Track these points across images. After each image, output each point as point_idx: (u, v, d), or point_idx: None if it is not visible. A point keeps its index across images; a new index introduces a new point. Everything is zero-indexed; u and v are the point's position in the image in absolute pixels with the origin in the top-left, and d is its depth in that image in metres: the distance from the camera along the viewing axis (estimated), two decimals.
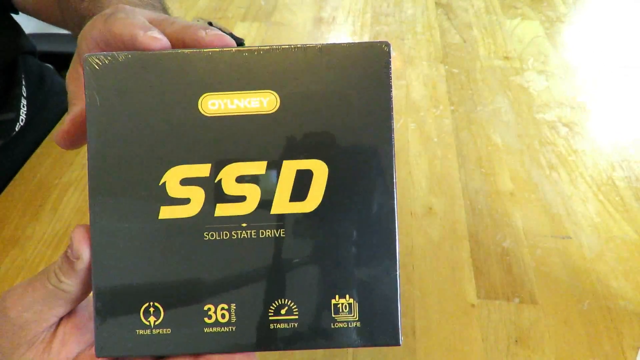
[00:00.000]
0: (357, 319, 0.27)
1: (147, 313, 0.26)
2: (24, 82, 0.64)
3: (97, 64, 0.26)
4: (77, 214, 0.55)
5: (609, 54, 0.83)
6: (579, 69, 0.79)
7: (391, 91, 0.26)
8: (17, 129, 0.62)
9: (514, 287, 0.48)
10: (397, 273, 0.27)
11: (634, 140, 0.65)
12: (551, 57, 0.81)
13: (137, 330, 0.26)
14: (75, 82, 0.32)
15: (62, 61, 0.94)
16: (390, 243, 0.27)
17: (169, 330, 0.26)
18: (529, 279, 0.49)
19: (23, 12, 0.65)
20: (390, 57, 0.26)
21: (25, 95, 0.64)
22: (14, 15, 0.65)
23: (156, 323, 0.26)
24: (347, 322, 0.27)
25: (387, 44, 0.26)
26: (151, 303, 0.26)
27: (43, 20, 0.64)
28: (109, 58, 0.26)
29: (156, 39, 0.27)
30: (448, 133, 0.66)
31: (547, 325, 0.45)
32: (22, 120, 0.63)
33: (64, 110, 0.70)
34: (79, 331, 0.28)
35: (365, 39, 0.89)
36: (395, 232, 0.27)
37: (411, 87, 0.74)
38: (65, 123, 0.30)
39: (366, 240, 0.26)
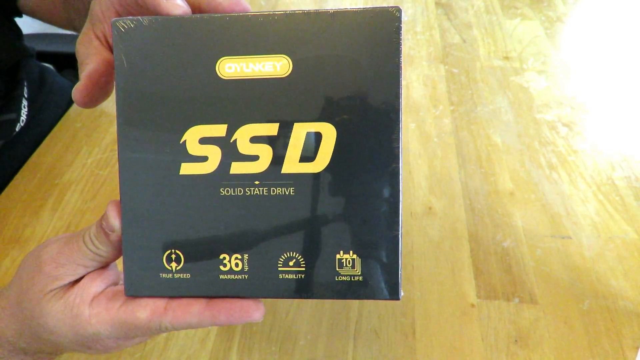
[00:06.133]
0: (359, 273, 0.28)
1: (169, 259, 0.28)
2: (25, 84, 0.64)
3: (123, 27, 0.28)
4: (77, 214, 0.55)
5: (609, 54, 0.83)
6: (579, 69, 0.79)
7: (401, 57, 0.27)
8: (17, 129, 0.62)
9: (514, 287, 0.48)
10: (400, 232, 0.28)
11: (634, 140, 0.65)
12: (551, 57, 0.81)
13: (161, 274, 0.28)
14: (86, 46, 0.32)
15: (62, 61, 0.94)
16: (394, 204, 0.28)
17: (188, 275, 0.28)
18: (529, 278, 0.49)
19: (27, 14, 0.65)
20: (401, 22, 0.27)
21: (26, 96, 0.64)
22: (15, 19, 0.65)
23: (177, 268, 0.28)
24: (350, 276, 0.28)
25: (399, 9, 0.27)
26: (173, 250, 0.28)
27: (46, 21, 0.64)
28: (134, 22, 0.28)
29: (178, 6, 0.28)
30: (448, 133, 0.66)
31: (547, 325, 0.45)
32: (22, 120, 0.63)
33: (64, 110, 0.70)
34: (105, 271, 0.30)
35: None
36: (398, 193, 0.28)
37: (411, 87, 0.74)
38: (81, 79, 0.31)
39: (370, 200, 0.28)
